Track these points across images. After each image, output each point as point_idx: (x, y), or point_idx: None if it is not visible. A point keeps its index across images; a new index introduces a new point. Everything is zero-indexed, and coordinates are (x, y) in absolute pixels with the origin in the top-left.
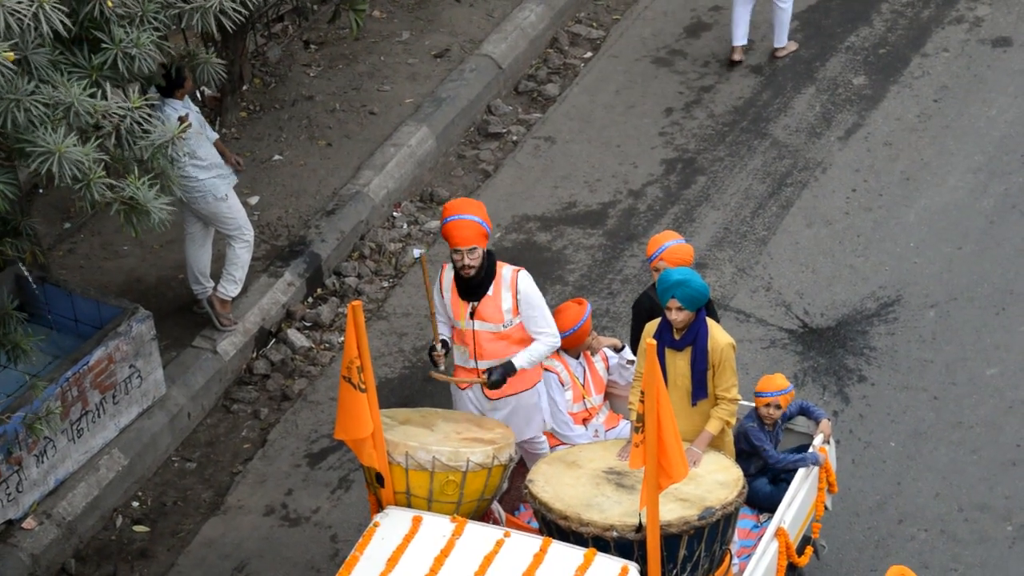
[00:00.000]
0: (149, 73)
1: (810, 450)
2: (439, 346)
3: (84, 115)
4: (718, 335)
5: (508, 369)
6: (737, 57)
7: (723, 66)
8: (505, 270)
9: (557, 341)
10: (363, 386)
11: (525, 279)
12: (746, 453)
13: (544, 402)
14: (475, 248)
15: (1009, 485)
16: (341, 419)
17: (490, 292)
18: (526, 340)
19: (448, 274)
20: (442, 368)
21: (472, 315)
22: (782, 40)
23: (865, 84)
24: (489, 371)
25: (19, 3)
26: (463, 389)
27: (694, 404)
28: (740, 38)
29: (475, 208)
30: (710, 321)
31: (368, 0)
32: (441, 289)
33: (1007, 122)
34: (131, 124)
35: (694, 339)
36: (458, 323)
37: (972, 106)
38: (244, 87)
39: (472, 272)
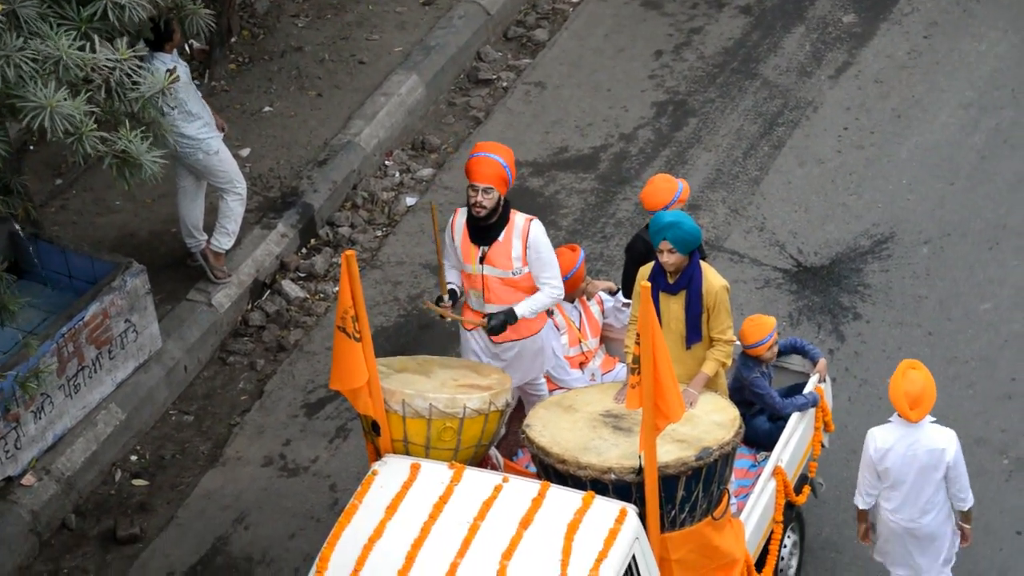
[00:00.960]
0: (139, 23)
1: (806, 389)
2: (446, 297)
3: (73, 68)
4: (712, 278)
5: (509, 316)
6: None
7: (712, 7)
8: (518, 218)
9: (561, 293)
10: (358, 335)
11: (537, 228)
12: (746, 400)
13: (547, 348)
14: (491, 188)
15: (1005, 418)
16: (336, 369)
17: (500, 238)
18: (535, 289)
19: (460, 217)
20: (449, 317)
21: (482, 260)
22: None
23: (855, 22)
24: (489, 316)
25: None
26: (468, 330)
27: (688, 347)
28: None
29: (503, 152)
30: (704, 264)
31: None
32: (453, 231)
33: (997, 56)
34: (120, 76)
35: (688, 282)
36: (467, 267)
37: (962, 42)
38: (232, 39)
39: (483, 212)
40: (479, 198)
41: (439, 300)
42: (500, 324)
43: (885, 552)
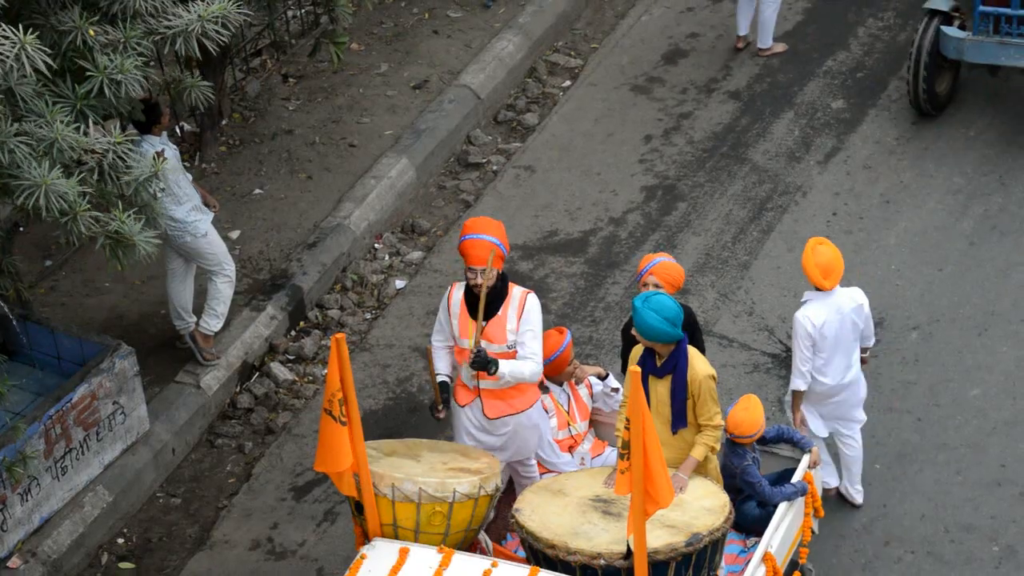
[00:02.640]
0: (132, 102)
1: (796, 476)
2: (440, 405)
3: (67, 151)
4: (698, 366)
5: (493, 363)
6: (739, 45)
7: (701, 92)
8: (516, 290)
9: (539, 371)
10: (344, 419)
11: (532, 300)
12: (735, 486)
13: (541, 426)
14: (489, 261)
15: (994, 505)
16: (321, 451)
17: (499, 312)
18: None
19: (457, 291)
20: (442, 416)
21: (479, 334)
22: (766, 41)
23: (843, 108)
24: (477, 352)
25: (1, 45)
26: (461, 406)
27: (674, 432)
28: (742, 28)
29: (494, 229)
30: (692, 351)
31: (348, 33)
32: (449, 305)
33: (985, 142)
34: (114, 159)
35: (674, 368)
36: (463, 341)
37: (950, 127)
38: (223, 122)
39: (480, 292)
40: (479, 279)
41: (432, 409)
42: (483, 362)
43: (815, 419)
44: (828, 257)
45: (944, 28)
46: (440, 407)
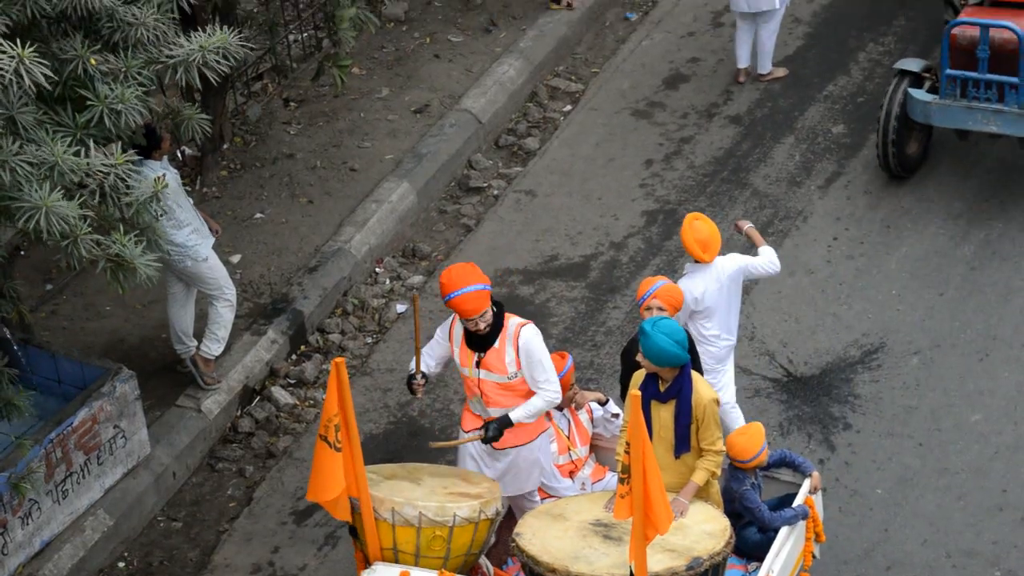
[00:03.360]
0: (135, 128)
1: (796, 501)
2: (419, 376)
3: (68, 173)
4: (702, 390)
5: (504, 423)
6: (741, 79)
7: (702, 117)
8: (511, 323)
9: (557, 397)
10: (338, 445)
11: (527, 333)
12: (736, 511)
13: (543, 461)
14: (485, 311)
15: (996, 531)
16: (314, 479)
17: (496, 344)
18: (532, 393)
19: (459, 325)
20: (419, 395)
21: (478, 364)
22: (766, 66)
23: (844, 132)
24: (486, 426)
25: None
26: (467, 432)
27: (677, 457)
28: (743, 60)
29: (470, 275)
30: (695, 375)
31: (351, 56)
32: (451, 335)
33: (986, 168)
34: (115, 181)
35: (678, 393)
36: (464, 371)
37: (951, 152)
38: (225, 146)
39: (486, 330)
40: (479, 325)
41: (411, 378)
42: (497, 432)
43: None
44: (706, 232)
45: (911, 91)
46: (419, 378)
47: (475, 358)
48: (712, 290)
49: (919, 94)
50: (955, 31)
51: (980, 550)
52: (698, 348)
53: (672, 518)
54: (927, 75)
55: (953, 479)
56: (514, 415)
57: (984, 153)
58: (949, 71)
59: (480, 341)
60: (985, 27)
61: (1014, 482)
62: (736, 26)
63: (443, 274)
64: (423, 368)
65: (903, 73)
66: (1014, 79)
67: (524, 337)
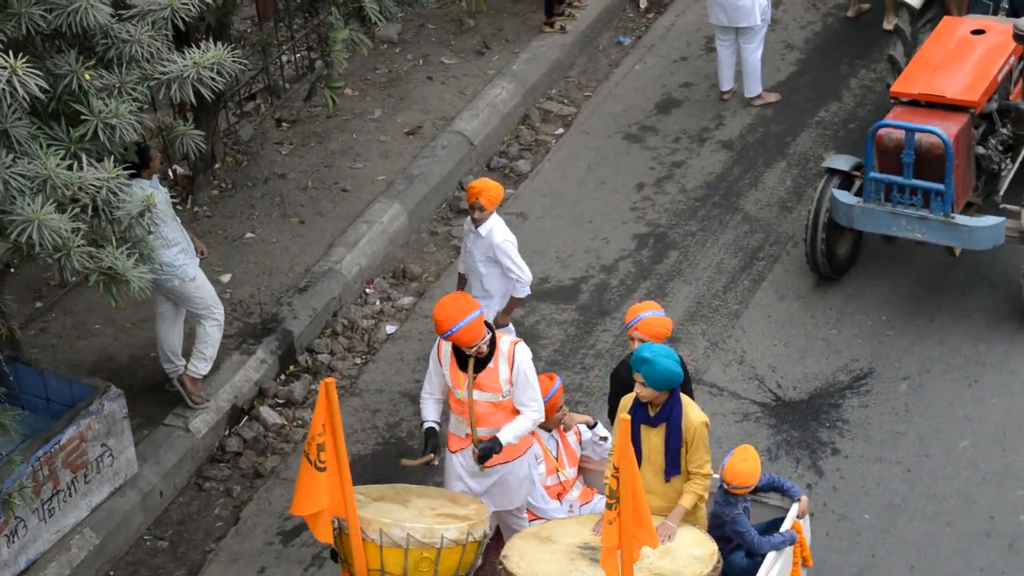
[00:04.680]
0: (127, 144)
1: (784, 526)
2: (430, 451)
3: (61, 188)
4: (692, 413)
5: (495, 444)
6: (725, 98)
7: (694, 141)
8: (503, 342)
9: (541, 416)
10: (320, 464)
11: (522, 351)
12: (724, 536)
13: (531, 475)
14: (484, 335)
15: (984, 557)
16: (297, 495)
17: (491, 364)
18: (516, 411)
19: (446, 347)
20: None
21: (471, 385)
22: (754, 89)
23: None
24: (475, 449)
25: None
26: (452, 452)
27: (667, 480)
28: (725, 84)
29: (464, 305)
30: (685, 398)
31: (343, 78)
32: (439, 359)
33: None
34: (107, 195)
35: (668, 416)
36: (456, 392)
37: None
38: (216, 165)
39: (485, 353)
40: (481, 350)
41: (428, 452)
42: (488, 453)
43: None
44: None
45: (836, 193)
46: (431, 455)
47: (467, 379)
48: (467, 249)
49: (844, 196)
50: (881, 132)
51: None
52: None
53: (657, 538)
54: (857, 174)
55: (941, 505)
56: (503, 436)
57: None
58: (873, 174)
59: (476, 362)
60: (911, 131)
61: (1002, 509)
62: (717, 43)
63: (437, 310)
64: (427, 426)
65: (831, 172)
66: (939, 186)
67: (519, 356)
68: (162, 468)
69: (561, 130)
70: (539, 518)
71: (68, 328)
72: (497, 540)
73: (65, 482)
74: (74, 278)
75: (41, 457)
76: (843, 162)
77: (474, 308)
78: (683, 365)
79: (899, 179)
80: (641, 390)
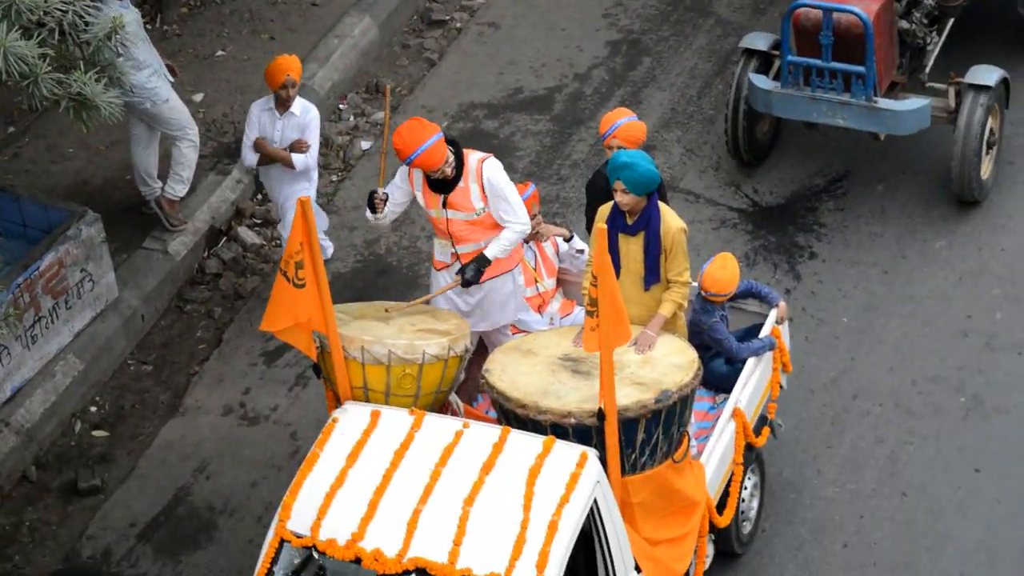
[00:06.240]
0: None
1: (763, 331)
2: (381, 191)
3: (26, 12)
4: (670, 220)
5: (481, 263)
6: None
7: None
8: (471, 159)
9: (526, 227)
10: (299, 282)
11: (490, 167)
12: (703, 343)
13: (519, 294)
14: (447, 158)
15: (961, 356)
16: (270, 311)
17: (461, 183)
18: (498, 226)
19: (417, 171)
20: (380, 212)
21: (444, 205)
22: None
23: None
24: (462, 269)
25: None
26: (438, 270)
27: (647, 288)
28: None
29: (423, 130)
30: (662, 206)
31: None
32: (412, 183)
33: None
34: (73, 19)
35: (647, 224)
36: (432, 212)
37: None
38: None
39: (451, 176)
40: (445, 172)
41: (372, 193)
42: (475, 274)
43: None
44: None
45: (752, 77)
46: (380, 193)
47: (441, 199)
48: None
49: (761, 81)
50: (799, 11)
51: (945, 376)
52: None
53: (630, 334)
54: (777, 53)
55: (918, 306)
56: (490, 252)
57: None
58: (791, 57)
59: (443, 183)
60: (828, 11)
61: (978, 308)
62: None
63: (395, 138)
64: (384, 190)
65: (749, 52)
66: (860, 68)
67: (487, 172)
68: (142, 292)
69: None
70: (521, 331)
71: (41, 152)
72: (480, 354)
73: (47, 308)
74: (43, 106)
75: (21, 284)
76: (761, 41)
77: (433, 132)
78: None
79: (817, 62)
80: (622, 197)
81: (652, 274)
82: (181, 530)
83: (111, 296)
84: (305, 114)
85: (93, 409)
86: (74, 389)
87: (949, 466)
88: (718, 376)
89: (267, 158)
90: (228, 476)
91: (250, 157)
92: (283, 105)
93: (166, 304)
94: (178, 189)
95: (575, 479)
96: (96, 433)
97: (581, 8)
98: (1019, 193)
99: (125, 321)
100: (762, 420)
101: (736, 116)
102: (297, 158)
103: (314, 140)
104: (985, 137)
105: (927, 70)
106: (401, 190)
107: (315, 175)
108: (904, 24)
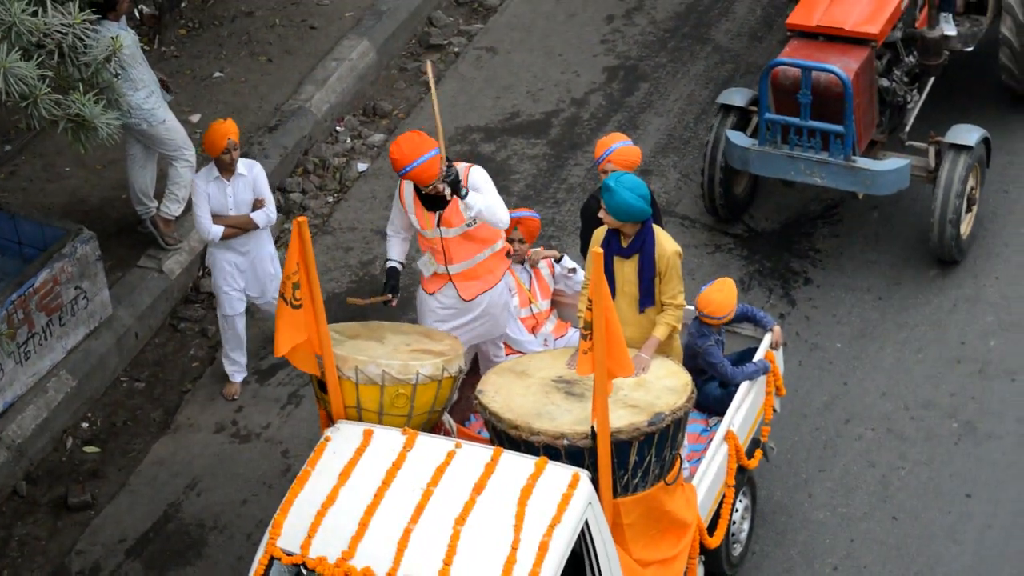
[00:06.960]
0: None
1: (757, 356)
2: (389, 291)
3: (26, 34)
4: (665, 243)
5: (456, 180)
6: None
7: None
8: (458, 168)
9: (506, 216)
10: (295, 302)
11: (476, 173)
12: (698, 367)
13: (510, 301)
14: (440, 175)
15: (954, 382)
16: (277, 335)
17: (451, 198)
18: (490, 239)
19: (408, 187)
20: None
21: (439, 223)
22: None
23: None
24: (448, 173)
25: None
26: (431, 294)
27: (641, 311)
28: None
29: (420, 144)
30: (657, 229)
31: None
32: (403, 202)
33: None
34: (73, 40)
35: (641, 247)
36: (426, 232)
37: None
38: (183, 4)
39: (443, 191)
40: (438, 189)
41: (388, 292)
42: (456, 181)
43: None
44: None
45: (729, 134)
46: (389, 296)
47: (435, 217)
48: None
49: (738, 138)
50: (777, 70)
51: (938, 402)
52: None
53: (632, 368)
54: (754, 109)
55: (912, 332)
56: (471, 197)
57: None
58: (769, 115)
59: (436, 200)
60: (807, 69)
61: (972, 334)
62: None
63: (393, 149)
64: (390, 265)
65: (726, 108)
66: (839, 128)
67: (473, 176)
68: (136, 310)
69: None
70: (515, 352)
71: (38, 171)
72: (473, 375)
73: (40, 325)
74: (41, 127)
75: (15, 300)
76: (739, 97)
77: (431, 147)
78: (653, 198)
79: (796, 121)
80: (604, 217)
81: (647, 296)
82: (171, 546)
83: (105, 313)
84: (251, 170)
85: (85, 425)
86: (66, 405)
87: (940, 491)
88: (712, 399)
89: (231, 230)
90: (219, 493)
91: (215, 229)
92: (228, 170)
93: (160, 322)
94: (173, 208)
95: (567, 500)
96: (87, 449)
97: (579, 34)
98: (1014, 221)
99: (119, 338)
100: (755, 443)
101: (713, 173)
102: (258, 216)
103: (268, 193)
104: (966, 196)
105: (907, 129)
106: (401, 217)
107: (273, 214)
108: (884, 82)
